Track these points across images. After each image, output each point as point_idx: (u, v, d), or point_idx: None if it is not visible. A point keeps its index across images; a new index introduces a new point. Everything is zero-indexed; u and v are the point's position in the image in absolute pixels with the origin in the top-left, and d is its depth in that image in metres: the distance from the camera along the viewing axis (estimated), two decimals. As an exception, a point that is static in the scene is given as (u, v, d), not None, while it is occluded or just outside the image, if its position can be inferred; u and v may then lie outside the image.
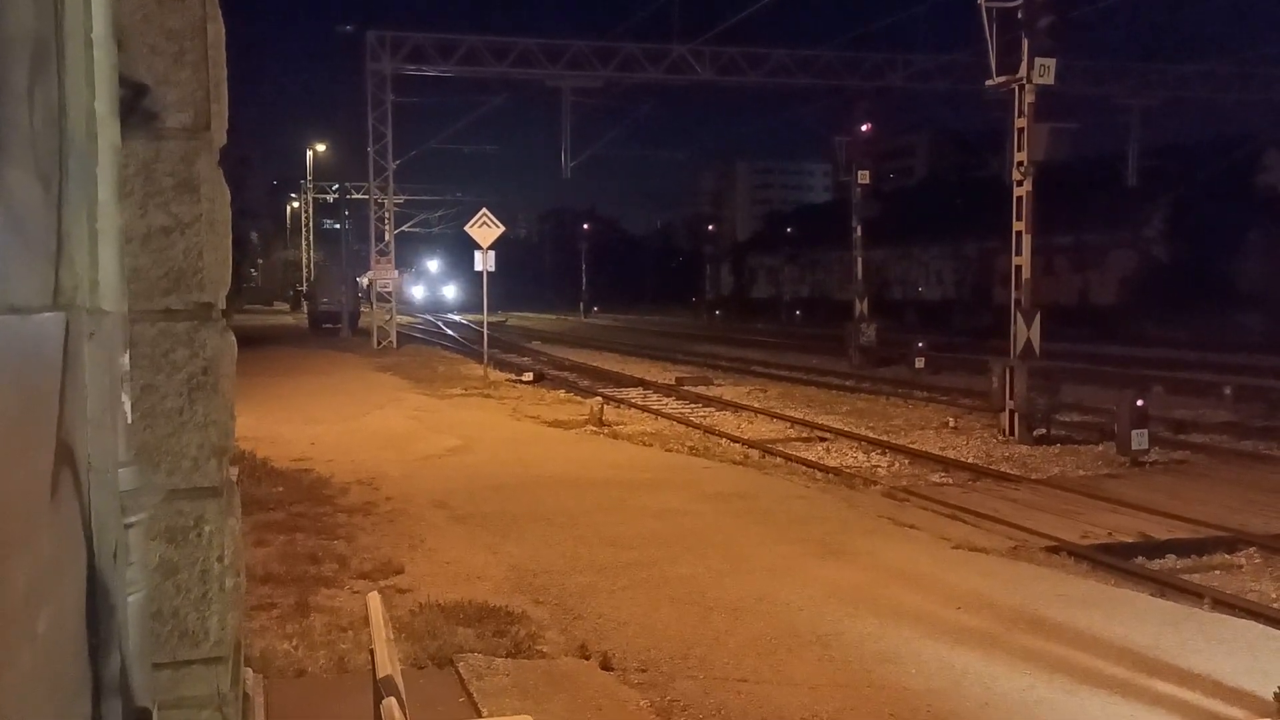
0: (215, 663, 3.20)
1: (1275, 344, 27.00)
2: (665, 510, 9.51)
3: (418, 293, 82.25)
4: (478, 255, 22.95)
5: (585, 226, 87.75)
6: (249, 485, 9.64)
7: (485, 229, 22.49)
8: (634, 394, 21.79)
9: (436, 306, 74.59)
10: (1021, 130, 15.85)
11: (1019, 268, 16.02)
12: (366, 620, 6.17)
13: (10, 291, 1.35)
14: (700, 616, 6.39)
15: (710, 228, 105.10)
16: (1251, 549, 9.00)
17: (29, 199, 1.49)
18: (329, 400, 18.35)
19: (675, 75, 31.42)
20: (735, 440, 15.46)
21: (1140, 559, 8.75)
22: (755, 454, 14.33)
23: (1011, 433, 15.45)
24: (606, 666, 5.52)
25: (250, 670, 4.57)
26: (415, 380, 22.53)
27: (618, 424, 16.50)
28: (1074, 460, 13.95)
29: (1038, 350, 15.83)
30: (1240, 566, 8.70)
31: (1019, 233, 16.01)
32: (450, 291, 77.72)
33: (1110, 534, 9.43)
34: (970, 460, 13.92)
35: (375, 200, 35.00)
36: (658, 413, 18.66)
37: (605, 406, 17.24)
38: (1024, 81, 15.63)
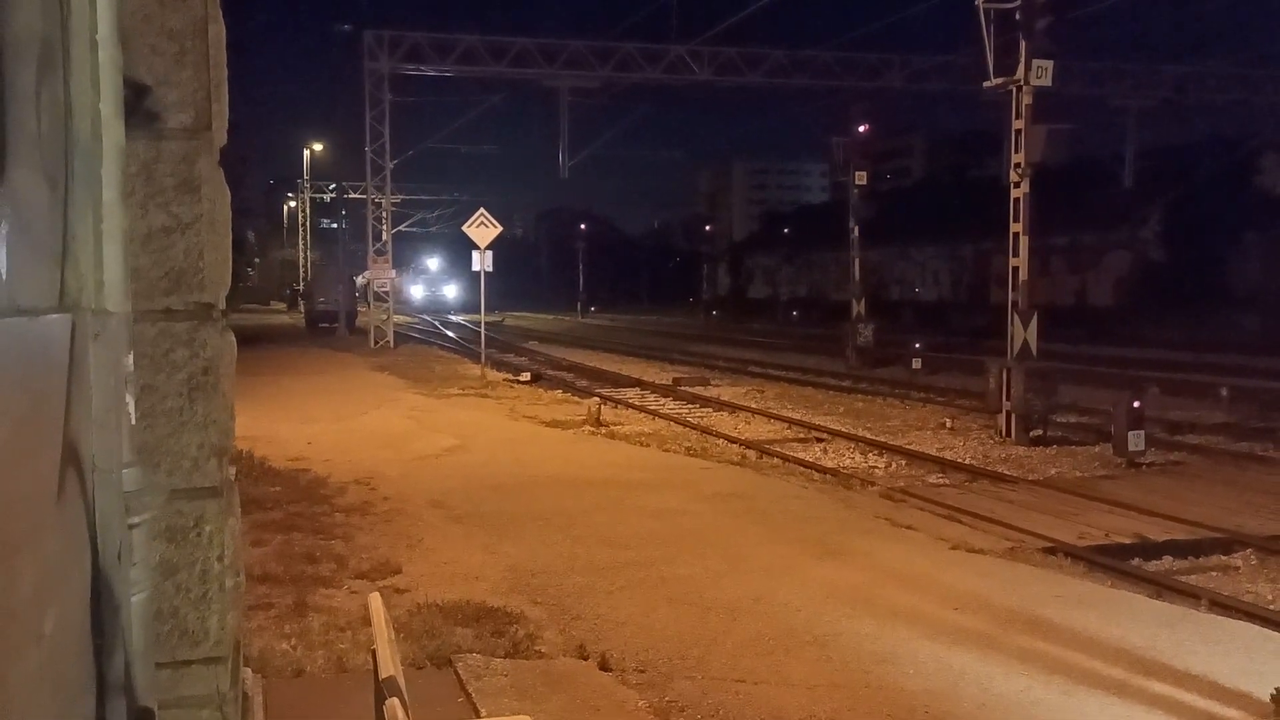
0: (215, 662, 3.21)
1: (1271, 345, 27.04)
2: (663, 510, 9.52)
3: (417, 292, 79.04)
4: (475, 255, 22.96)
5: (582, 226, 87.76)
6: (246, 485, 9.64)
7: (483, 229, 22.50)
8: (631, 394, 21.80)
9: (436, 306, 72.94)
10: (1019, 132, 15.87)
11: (1016, 269, 16.04)
12: (364, 620, 6.18)
13: (18, 293, 1.36)
14: (698, 617, 6.40)
15: (707, 228, 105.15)
16: (1248, 550, 9.03)
17: (36, 200, 1.49)
18: (326, 400, 18.35)
19: (673, 75, 31.43)
20: (733, 441, 15.47)
21: (1137, 560, 8.77)
22: (752, 454, 14.35)
23: (1008, 434, 15.47)
24: (605, 667, 5.53)
25: (249, 670, 4.57)
26: (412, 380, 22.53)
27: (615, 424, 16.51)
28: (1070, 461, 13.97)
29: (1034, 351, 15.86)
30: (1237, 568, 8.73)
31: (1016, 234, 16.03)
32: (451, 291, 75.31)
33: (1107, 535, 9.45)
34: (967, 461, 13.94)
35: (372, 200, 34.98)
36: (655, 413, 18.67)
37: (602, 406, 17.24)
38: (1021, 83, 15.65)
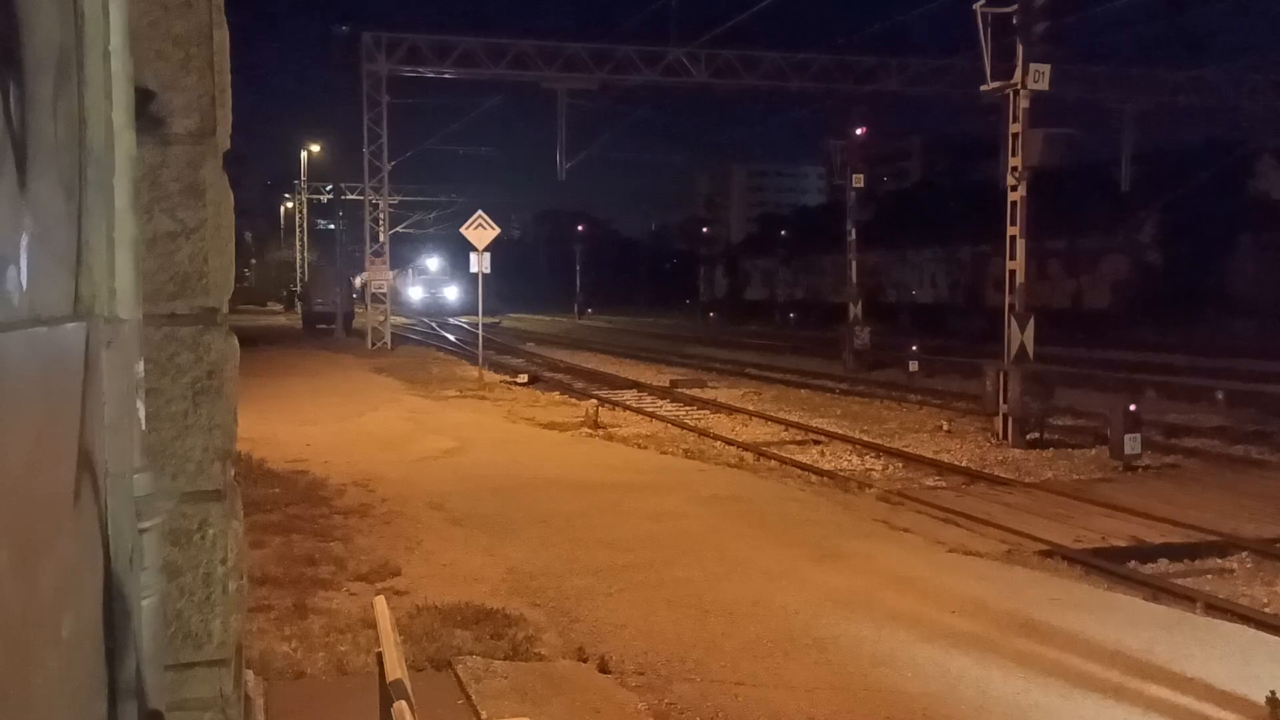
0: (218, 665, 3.23)
1: (1266, 349, 27.11)
2: (661, 513, 9.54)
3: (416, 294, 73.70)
4: (473, 257, 22.98)
5: (580, 228, 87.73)
6: (245, 486, 9.57)
7: (481, 231, 22.52)
8: (629, 396, 21.82)
9: (437, 309, 68.92)
10: (1016, 135, 15.91)
11: (1013, 272, 16.08)
12: (365, 622, 6.21)
13: (37, 303, 1.38)
14: (697, 619, 6.42)
15: (705, 230, 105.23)
16: (1243, 554, 9.06)
17: (54, 210, 1.52)
18: (324, 401, 18.35)
19: (671, 78, 31.46)
20: (730, 443, 15.50)
21: (1133, 563, 8.80)
22: (750, 457, 14.37)
23: (1005, 437, 15.51)
24: (604, 669, 5.55)
25: (250, 672, 4.59)
26: (410, 381, 22.54)
27: (613, 426, 16.52)
28: (1067, 464, 14.01)
29: (1031, 354, 15.90)
30: (1232, 571, 8.76)
31: (1013, 237, 16.07)
32: (452, 293, 70.04)
33: (1103, 538, 9.48)
34: (964, 464, 13.98)
35: (370, 201, 34.99)
36: (652, 415, 18.69)
37: (600, 409, 17.27)
38: (1019, 87, 15.69)
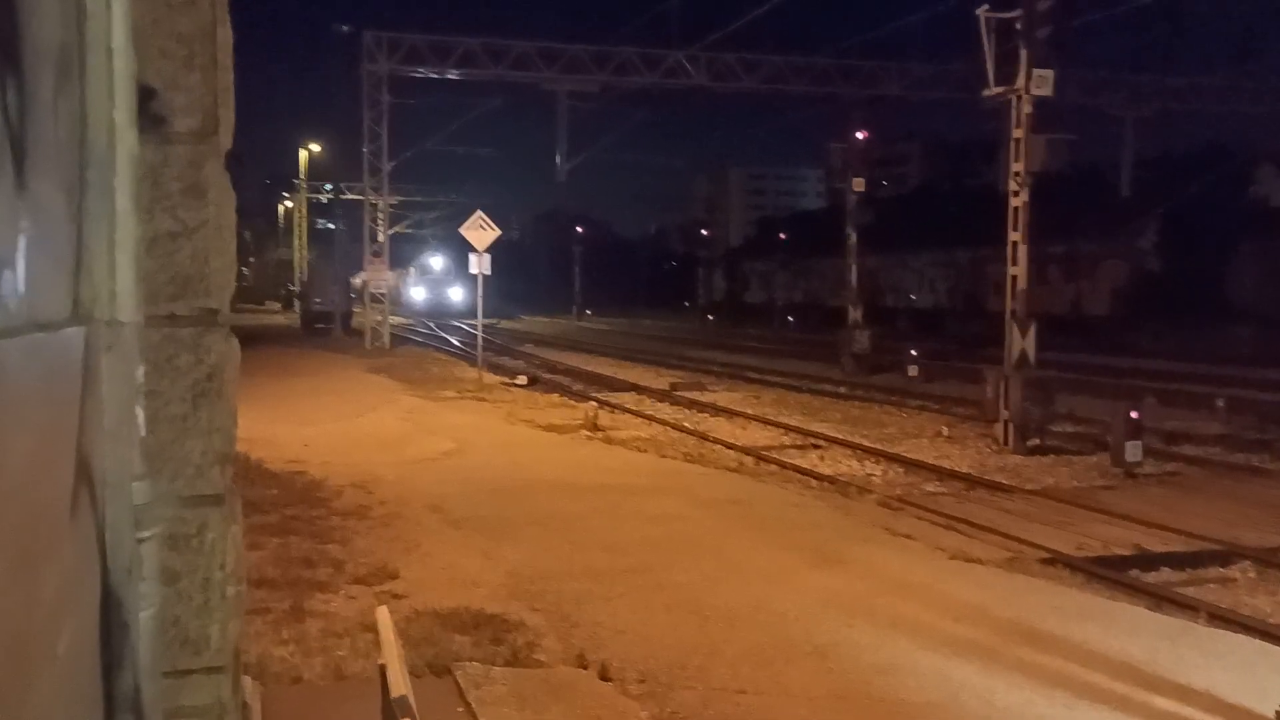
0: (216, 672, 3.18)
1: (1267, 357, 27.08)
2: (661, 516, 9.49)
3: (418, 294, 71.08)
4: (473, 258, 22.93)
5: (579, 230, 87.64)
6: (242, 487, 9.52)
7: (481, 232, 22.47)
8: (628, 399, 21.77)
9: (441, 310, 66.20)
10: (1018, 141, 15.88)
11: (1014, 278, 16.05)
12: (363, 626, 6.16)
13: (37, 307, 1.34)
14: (697, 625, 6.37)
15: (704, 232, 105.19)
16: (1246, 563, 9.02)
17: (54, 211, 1.47)
18: (322, 401, 18.30)
19: (671, 80, 31.43)
20: (729, 447, 15.45)
21: (1135, 572, 8.76)
22: (749, 461, 14.33)
23: (1005, 443, 15.46)
24: (605, 676, 5.50)
25: (249, 678, 4.54)
26: (409, 382, 22.49)
27: (612, 429, 16.48)
28: (1068, 471, 13.97)
29: (1032, 360, 15.86)
30: (1235, 580, 8.71)
31: (1015, 243, 16.03)
32: (457, 294, 63.97)
33: (1105, 546, 9.46)
34: (964, 470, 13.92)
35: (369, 201, 34.94)
36: (651, 418, 18.64)
37: (599, 411, 17.22)
38: (1022, 92, 15.67)
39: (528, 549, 8.26)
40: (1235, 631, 6.82)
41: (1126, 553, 9.28)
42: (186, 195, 3.06)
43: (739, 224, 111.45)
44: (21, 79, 1.30)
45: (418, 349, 35.62)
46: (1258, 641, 6.43)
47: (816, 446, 15.82)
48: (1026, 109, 15.69)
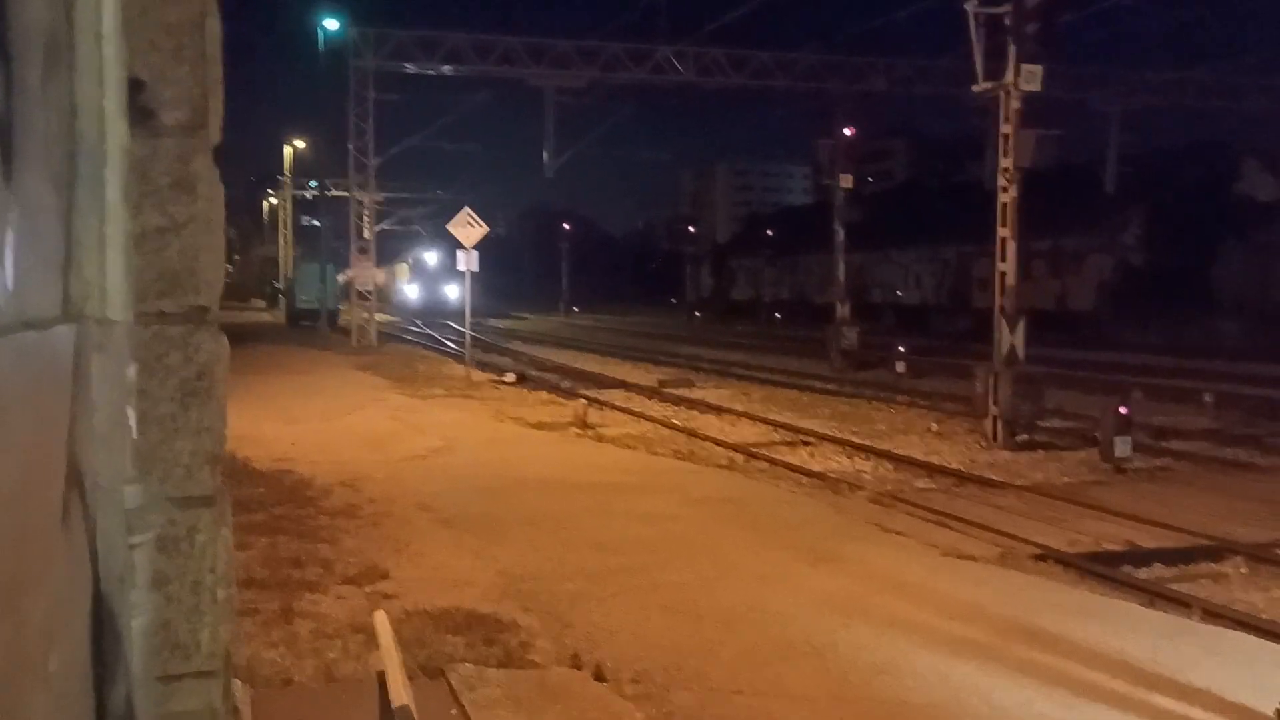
0: (206, 676, 3.10)
1: (1251, 351, 27.23)
2: (652, 515, 9.43)
3: (412, 292, 67.95)
4: (460, 255, 22.82)
5: (566, 226, 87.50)
6: (229, 486, 9.46)
7: (468, 228, 22.35)
8: (616, 396, 21.71)
9: (437, 308, 60.59)
10: (1007, 136, 15.87)
11: (1003, 274, 16.04)
12: (354, 627, 6.08)
13: (26, 305, 1.27)
14: (692, 625, 6.32)
15: (691, 228, 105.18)
16: (1238, 558, 9.02)
17: (44, 205, 1.40)
18: (309, 399, 18.17)
19: (658, 76, 31.31)
20: (720, 444, 15.40)
21: (1128, 567, 8.74)
22: (740, 458, 14.29)
23: (995, 438, 15.47)
24: (600, 677, 5.44)
25: (239, 681, 4.47)
26: (396, 380, 22.37)
27: (601, 426, 16.42)
28: (1058, 467, 13.97)
29: (1021, 356, 15.87)
30: (1228, 576, 8.71)
31: (1004, 239, 16.03)
32: (453, 291, 60.51)
33: (1097, 542, 9.45)
34: (954, 466, 13.92)
35: (355, 198, 34.74)
36: (641, 415, 18.58)
37: (588, 408, 17.15)
38: (1010, 87, 15.66)
39: (519, 548, 8.18)
40: (1230, 628, 6.81)
41: (1119, 548, 9.27)
42: (175, 190, 2.98)
43: (726, 220, 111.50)
44: (8, 64, 1.23)
45: (405, 346, 35.47)
46: (1257, 639, 6.42)
47: (806, 443, 15.79)
48: (1015, 104, 15.69)
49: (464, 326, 26.01)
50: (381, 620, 2.99)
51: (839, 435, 16.21)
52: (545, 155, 33.05)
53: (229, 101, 3.36)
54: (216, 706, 3.16)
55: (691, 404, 20.39)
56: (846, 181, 29.24)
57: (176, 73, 3.01)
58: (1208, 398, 18.87)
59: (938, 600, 6.88)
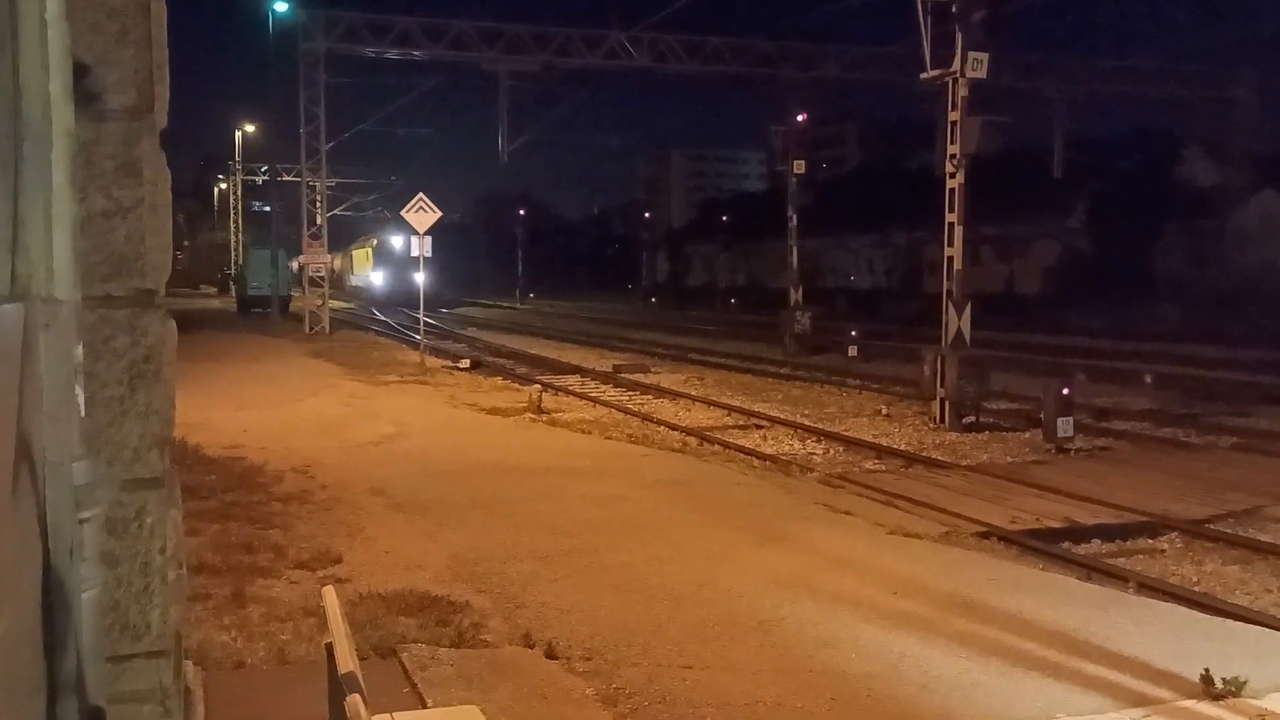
0: (157, 656, 3.15)
1: (1192, 333, 27.88)
2: (605, 497, 9.53)
3: (377, 279, 62.61)
4: (413, 240, 22.72)
5: (521, 212, 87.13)
6: (180, 473, 9.40)
7: (422, 214, 22.24)
8: (572, 381, 21.77)
9: (405, 297, 57.55)
10: (955, 123, 16.11)
11: (950, 259, 16.30)
12: (306, 610, 6.12)
13: (-26, 283, 1.31)
14: (643, 604, 6.42)
15: (646, 215, 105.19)
16: (1173, 534, 9.30)
17: (-10, 187, 1.44)
18: (260, 386, 18.03)
19: (612, 61, 31.29)
20: (673, 428, 15.54)
21: (1067, 544, 8.99)
22: (693, 441, 14.43)
23: (942, 420, 15.75)
24: (551, 655, 5.53)
25: (189, 662, 4.49)
26: (349, 366, 22.24)
27: (556, 411, 16.47)
28: (1002, 447, 14.28)
29: (968, 339, 16.15)
30: (1163, 551, 8.99)
31: (951, 224, 16.28)
32: (420, 279, 55.79)
33: (1038, 519, 9.68)
34: (902, 447, 14.17)
35: (307, 183, 34.37)
36: (596, 400, 18.67)
37: (543, 394, 17.19)
38: (957, 75, 15.88)
39: (472, 531, 8.24)
40: (1164, 600, 7.05)
41: (1058, 525, 9.51)
42: (120, 174, 3.01)
43: (681, 206, 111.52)
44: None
45: (358, 333, 35.21)
46: (1185, 610, 6.65)
47: (759, 426, 15.97)
48: (963, 92, 15.92)
49: (418, 313, 25.89)
50: (329, 595, 3.04)
51: (791, 418, 16.41)
52: (500, 141, 32.92)
53: (177, 85, 3.38)
54: (167, 686, 3.21)
55: (646, 389, 20.50)
56: (799, 167, 29.46)
57: (121, 56, 3.04)
58: (1148, 379, 19.34)
59: (882, 577, 7.04)
